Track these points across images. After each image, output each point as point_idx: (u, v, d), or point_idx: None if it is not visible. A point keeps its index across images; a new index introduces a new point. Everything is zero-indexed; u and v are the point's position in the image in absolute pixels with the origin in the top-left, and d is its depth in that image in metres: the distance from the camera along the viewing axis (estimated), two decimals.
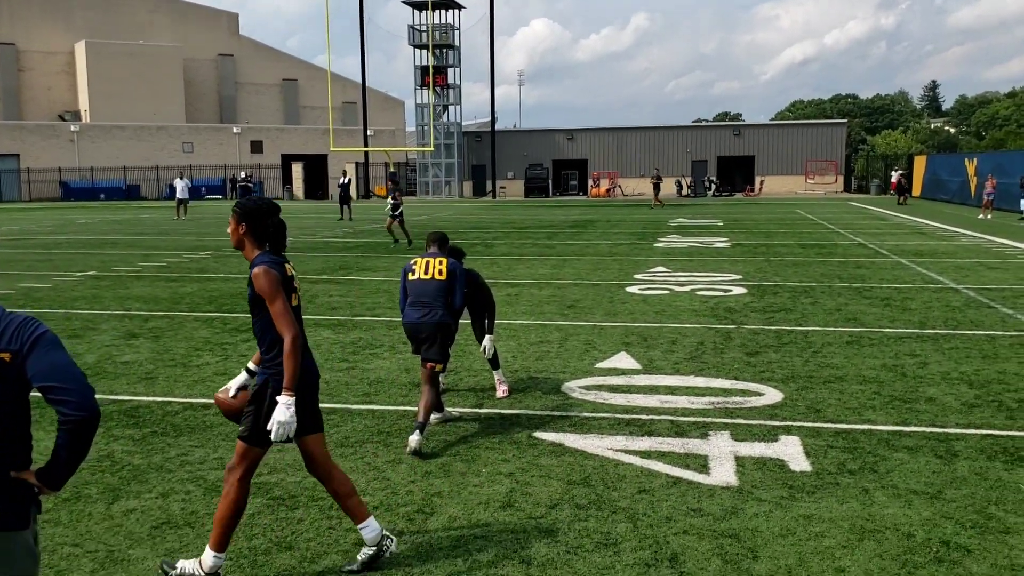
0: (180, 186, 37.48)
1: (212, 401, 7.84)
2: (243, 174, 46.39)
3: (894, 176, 54.99)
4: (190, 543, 4.93)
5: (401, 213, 24.55)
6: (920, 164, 53.80)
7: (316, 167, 69.29)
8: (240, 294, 14.44)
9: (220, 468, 6.14)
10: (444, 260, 6.93)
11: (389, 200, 24.72)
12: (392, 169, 60.90)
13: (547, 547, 4.85)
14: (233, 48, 78.49)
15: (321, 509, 5.38)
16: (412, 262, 7.00)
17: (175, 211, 37.55)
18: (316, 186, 68.94)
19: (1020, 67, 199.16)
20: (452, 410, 7.42)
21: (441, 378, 7.72)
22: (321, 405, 7.62)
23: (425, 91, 61.44)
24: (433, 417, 7.09)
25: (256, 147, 70.26)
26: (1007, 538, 4.95)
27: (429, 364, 6.75)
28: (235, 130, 70.08)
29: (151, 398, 8.06)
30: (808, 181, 63.84)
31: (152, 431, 7.05)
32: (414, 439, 6.37)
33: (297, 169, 66.80)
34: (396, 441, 6.70)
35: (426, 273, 6.86)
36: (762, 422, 7.14)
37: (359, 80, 64.63)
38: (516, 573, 4.53)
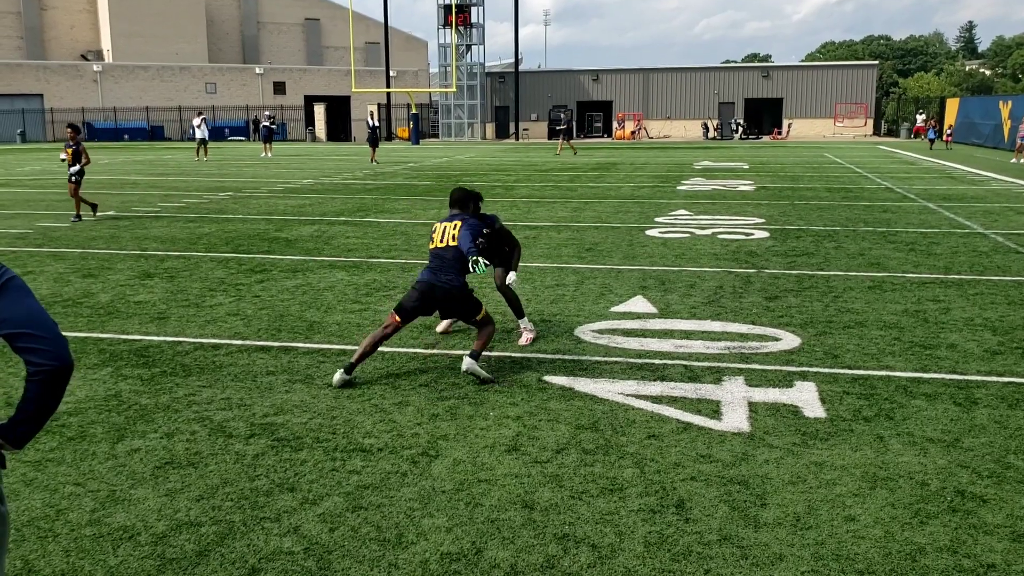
0: (199, 124, 37.32)
1: (223, 341, 7.81)
2: (267, 113, 46.14)
3: (919, 120, 54.35)
4: (192, 483, 4.89)
5: (81, 173, 16.74)
6: (952, 107, 52.67)
7: (338, 108, 68.86)
8: (257, 235, 14.38)
9: (227, 408, 6.11)
10: (460, 223, 6.81)
11: (63, 157, 16.90)
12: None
13: (551, 492, 4.77)
14: None
15: (325, 451, 5.33)
16: (433, 228, 6.99)
17: (196, 152, 37.45)
18: (339, 128, 68.57)
19: None
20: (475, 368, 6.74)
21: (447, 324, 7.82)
22: (331, 346, 7.62)
23: (448, 31, 60.66)
24: (466, 364, 6.66)
25: (279, 88, 69.84)
26: None
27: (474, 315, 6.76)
28: (258, 71, 69.63)
29: (162, 338, 8.03)
30: (837, 124, 62.82)
31: (161, 371, 7.02)
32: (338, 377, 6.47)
33: (319, 110, 66.40)
34: (404, 383, 6.63)
35: (441, 241, 6.81)
36: (778, 368, 7.00)
37: (382, 20, 63.85)
38: (518, 518, 4.46)
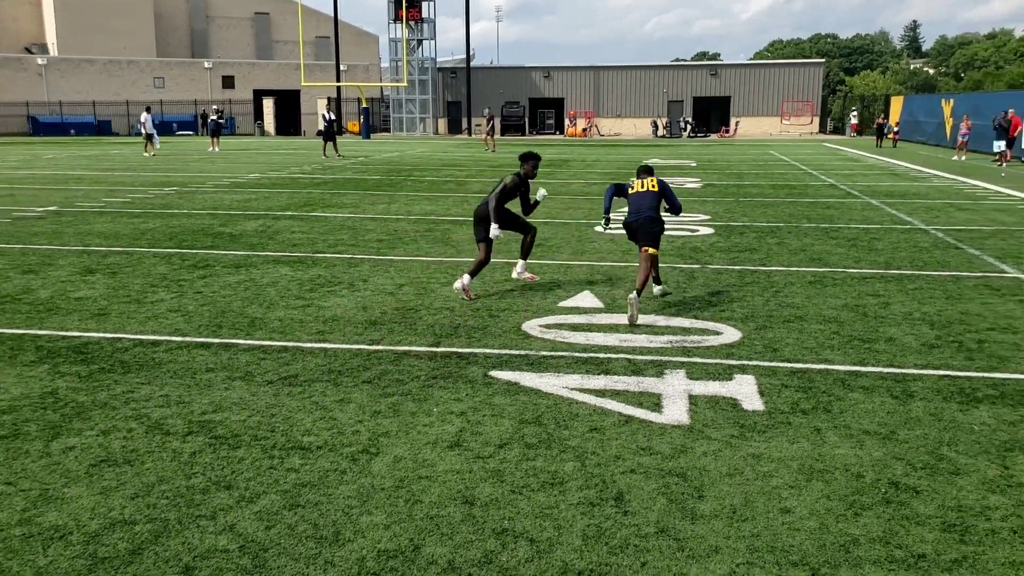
0: (145, 119, 36.66)
1: (163, 338, 7.69)
2: (215, 107, 45.46)
3: (852, 118, 56.00)
4: (128, 481, 4.81)
5: None
6: (897, 105, 53.66)
7: (288, 102, 68.16)
8: (201, 230, 14.19)
9: (166, 406, 6.01)
10: (654, 179, 9.21)
11: None
12: None
13: (492, 487, 4.77)
14: None
15: (263, 448, 5.26)
16: (629, 183, 9.33)
17: (144, 147, 36.81)
18: (288, 122, 67.89)
19: (1002, 7, 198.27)
20: (666, 288, 9.46)
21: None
22: (272, 343, 7.54)
23: (399, 25, 60.34)
24: (656, 290, 9.31)
25: (228, 82, 68.93)
26: (956, 479, 4.92)
27: (644, 248, 8.76)
28: (206, 65, 68.64)
29: (102, 334, 7.88)
30: (783, 122, 63.61)
31: (100, 368, 6.89)
32: (633, 300, 8.26)
33: (268, 105, 65.68)
34: (347, 380, 6.58)
35: (642, 187, 9.12)
36: (718, 361, 7.07)
37: (332, 14, 63.31)
38: (458, 514, 4.45)
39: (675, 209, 9.27)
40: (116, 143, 48.88)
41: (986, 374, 6.79)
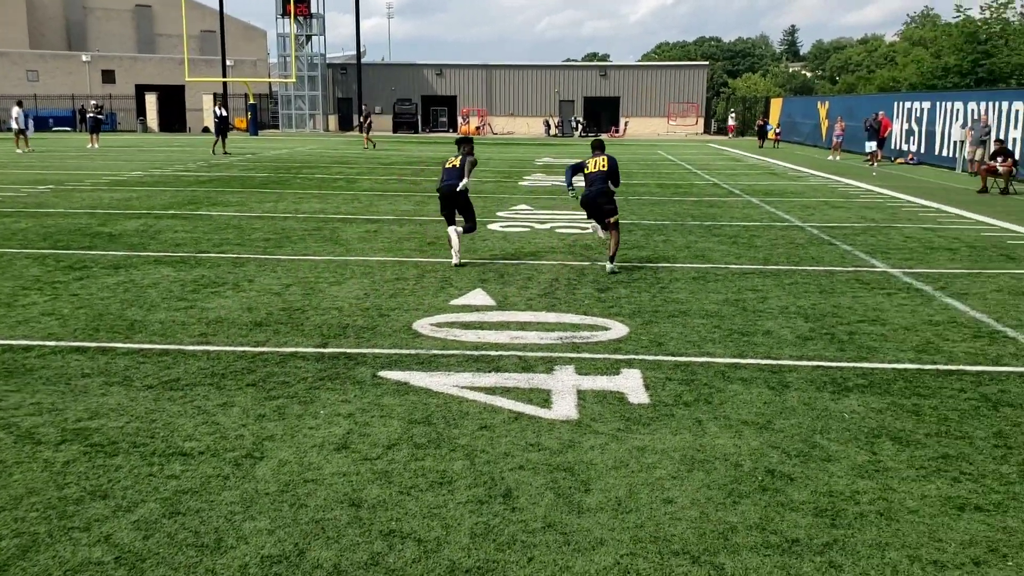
0: (17, 114, 35.03)
1: (36, 343, 7.36)
2: (94, 103, 43.77)
3: (731, 120, 58.30)
4: None
5: None
6: (776, 107, 55.50)
7: (173, 98, 66.12)
8: (78, 230, 13.65)
9: (36, 414, 5.76)
10: (605, 158, 10.83)
11: None
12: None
13: (379, 488, 4.74)
14: None
15: (142, 455, 5.10)
16: (585, 161, 10.99)
17: (15, 142, 35.20)
18: (172, 118, 65.86)
19: (874, 14, 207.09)
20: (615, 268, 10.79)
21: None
22: (152, 346, 7.32)
23: (287, 20, 59.25)
24: (608, 267, 10.85)
25: (108, 77, 66.36)
26: (828, 465, 5.12)
27: (610, 218, 10.71)
28: (84, 58, 65.95)
29: None
30: (670, 123, 64.99)
31: None
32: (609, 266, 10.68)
33: (151, 100, 63.59)
34: (230, 383, 6.43)
35: (594, 168, 10.77)
36: (606, 356, 7.20)
37: (218, 7, 61.67)
38: (344, 517, 4.41)
39: (615, 184, 10.74)
40: None
41: (856, 364, 7.10)
